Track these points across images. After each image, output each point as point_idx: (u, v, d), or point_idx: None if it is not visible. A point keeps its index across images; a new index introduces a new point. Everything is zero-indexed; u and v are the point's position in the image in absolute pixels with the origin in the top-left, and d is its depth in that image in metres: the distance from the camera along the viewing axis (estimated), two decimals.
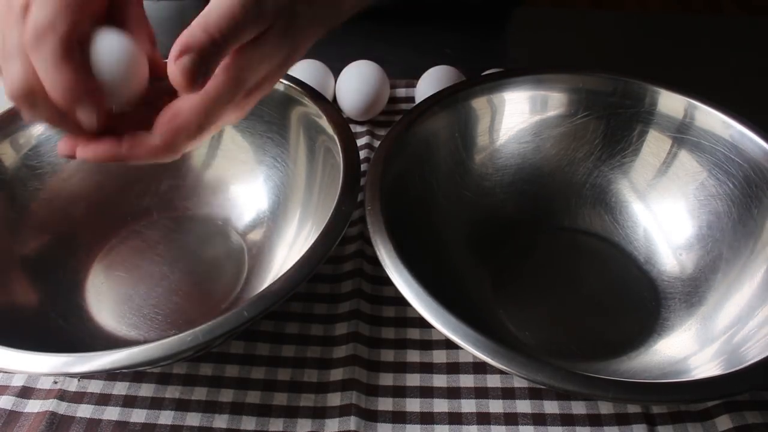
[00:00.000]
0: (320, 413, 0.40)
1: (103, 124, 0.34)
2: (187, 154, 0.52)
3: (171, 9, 0.77)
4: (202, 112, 0.34)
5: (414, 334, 0.44)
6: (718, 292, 0.43)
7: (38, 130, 0.49)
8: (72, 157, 0.35)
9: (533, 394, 0.41)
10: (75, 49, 0.32)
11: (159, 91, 0.36)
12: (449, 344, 0.43)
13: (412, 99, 0.62)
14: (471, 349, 0.34)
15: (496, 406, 0.40)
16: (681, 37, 0.74)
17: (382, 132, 0.59)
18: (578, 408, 0.40)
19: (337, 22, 0.39)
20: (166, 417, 0.40)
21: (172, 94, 0.35)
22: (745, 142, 0.45)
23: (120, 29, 0.35)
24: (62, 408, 0.40)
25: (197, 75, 0.32)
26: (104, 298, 0.46)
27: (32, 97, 0.32)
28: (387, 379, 0.42)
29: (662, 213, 0.48)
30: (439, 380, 0.42)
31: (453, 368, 0.42)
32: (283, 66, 0.37)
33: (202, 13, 0.33)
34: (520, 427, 0.39)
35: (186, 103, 0.34)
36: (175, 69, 0.32)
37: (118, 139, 0.34)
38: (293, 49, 0.37)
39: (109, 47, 0.34)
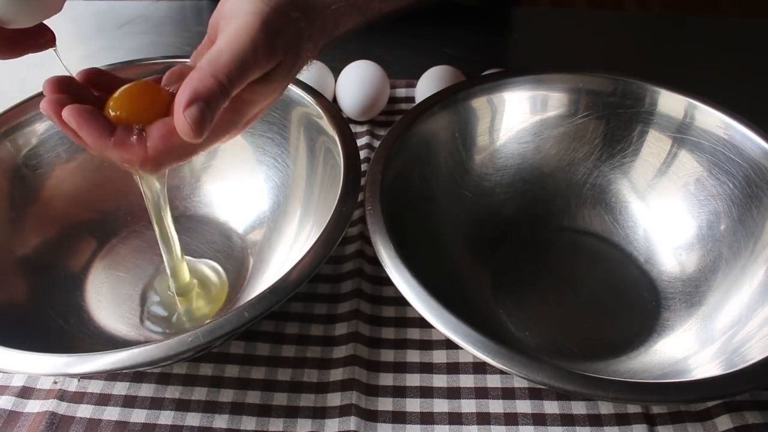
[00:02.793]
0: (320, 413, 0.40)
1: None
2: None
3: (171, 9, 0.77)
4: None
5: (414, 334, 0.44)
6: (718, 292, 0.43)
7: (38, 130, 0.49)
8: (56, 119, 0.33)
9: (533, 394, 0.41)
10: None
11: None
12: (449, 344, 0.43)
13: (412, 99, 0.62)
14: (471, 349, 0.34)
15: (496, 406, 0.40)
16: (681, 37, 0.74)
17: (382, 132, 0.59)
18: (578, 408, 0.40)
19: (329, 46, 0.40)
20: (166, 417, 0.40)
21: None
22: (745, 142, 0.45)
23: None
24: (62, 408, 0.40)
25: (205, 124, 0.31)
26: (104, 298, 0.46)
27: None
28: (387, 379, 0.42)
29: (662, 213, 0.49)
30: (439, 380, 0.42)
31: (453, 368, 0.42)
32: (283, 91, 0.37)
33: (212, 53, 0.32)
34: (520, 427, 0.39)
35: None
36: (183, 120, 0.30)
37: (110, 128, 0.33)
38: (294, 76, 0.37)
39: None
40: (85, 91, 0.35)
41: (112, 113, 0.34)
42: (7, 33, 0.35)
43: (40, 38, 0.36)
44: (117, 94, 0.35)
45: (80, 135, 0.33)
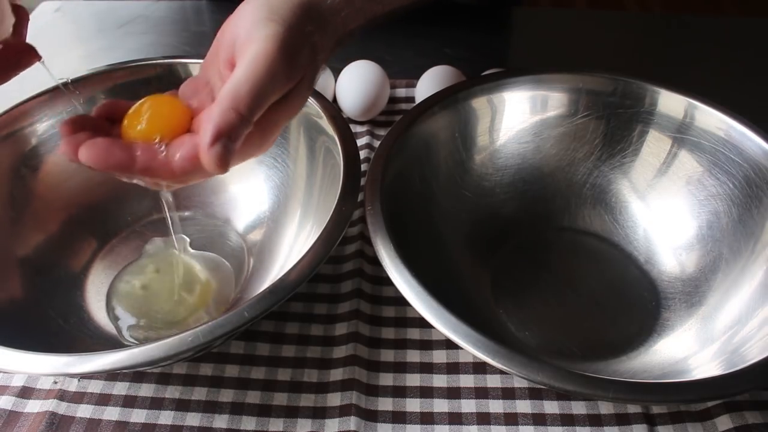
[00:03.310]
0: (320, 413, 0.40)
1: None
2: None
3: (171, 9, 0.77)
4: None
5: (414, 334, 0.44)
6: (718, 292, 0.43)
7: (38, 130, 0.49)
8: (75, 160, 0.33)
9: (533, 394, 0.41)
10: None
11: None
12: (449, 344, 0.43)
13: (412, 99, 0.62)
14: (471, 349, 0.34)
15: (496, 406, 0.40)
16: (681, 37, 0.74)
17: (382, 132, 0.59)
18: (578, 408, 0.40)
19: (335, 51, 0.40)
20: (166, 417, 0.40)
21: None
22: (745, 142, 0.45)
23: None
24: (62, 408, 0.40)
25: (230, 158, 0.31)
26: (104, 298, 0.46)
27: None
28: (387, 379, 0.42)
29: (662, 213, 0.49)
30: (439, 380, 0.42)
31: (453, 368, 0.42)
32: (305, 103, 0.37)
33: (232, 86, 0.32)
34: (520, 427, 0.39)
35: None
36: (209, 158, 0.31)
37: (129, 155, 0.33)
38: (313, 87, 0.37)
39: None
40: (102, 124, 0.35)
41: (132, 129, 0.34)
42: None
43: (23, 57, 0.36)
44: (134, 108, 0.35)
45: (105, 172, 0.33)
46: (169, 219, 0.42)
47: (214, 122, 0.31)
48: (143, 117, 0.34)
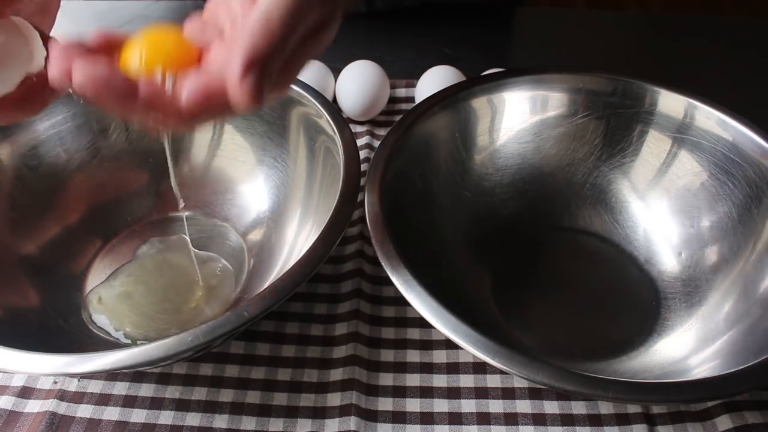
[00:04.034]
0: (320, 413, 0.40)
1: None
2: (187, 153, 0.52)
3: (171, 9, 0.77)
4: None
5: (414, 334, 0.44)
6: (718, 292, 0.43)
7: (38, 130, 0.49)
8: (66, 83, 0.28)
9: (533, 394, 0.41)
10: None
11: None
12: (449, 344, 0.43)
13: (412, 99, 0.62)
14: (471, 349, 0.34)
15: (496, 406, 0.40)
16: (681, 37, 0.74)
17: (382, 132, 0.59)
18: (578, 408, 0.40)
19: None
20: (166, 417, 0.40)
21: None
22: (745, 142, 0.45)
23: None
24: (62, 408, 0.40)
25: (263, 93, 0.27)
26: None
27: None
28: (387, 379, 0.42)
29: (662, 213, 0.49)
30: (439, 380, 0.42)
31: (453, 368, 0.42)
32: (330, 42, 0.33)
33: (262, 8, 0.28)
34: (520, 427, 0.39)
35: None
36: (241, 91, 0.27)
37: (132, 87, 0.28)
38: (340, 22, 0.33)
39: None
40: (99, 52, 0.31)
41: (131, 60, 0.30)
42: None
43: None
44: (134, 38, 0.31)
45: (102, 104, 0.28)
46: (172, 173, 0.40)
47: (243, 50, 0.27)
48: (145, 47, 0.31)
